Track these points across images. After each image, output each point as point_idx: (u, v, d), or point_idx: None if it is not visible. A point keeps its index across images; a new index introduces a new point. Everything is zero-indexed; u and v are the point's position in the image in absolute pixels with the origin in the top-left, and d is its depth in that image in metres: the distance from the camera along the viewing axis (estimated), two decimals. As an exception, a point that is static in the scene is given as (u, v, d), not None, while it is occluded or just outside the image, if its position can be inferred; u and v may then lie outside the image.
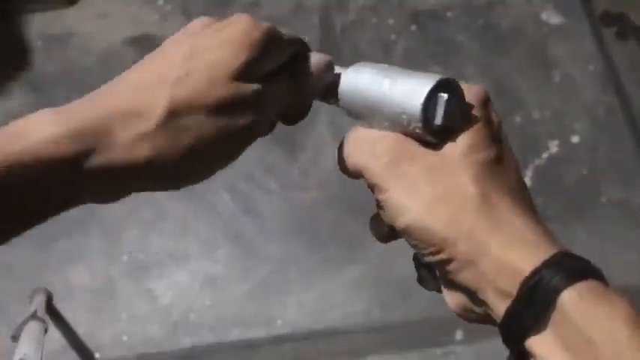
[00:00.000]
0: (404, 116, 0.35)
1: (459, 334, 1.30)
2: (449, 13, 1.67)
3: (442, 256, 0.33)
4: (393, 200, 0.35)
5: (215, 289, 1.39)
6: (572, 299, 0.29)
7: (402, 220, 0.34)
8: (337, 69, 0.42)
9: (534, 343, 0.30)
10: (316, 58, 0.41)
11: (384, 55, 1.61)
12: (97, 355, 1.35)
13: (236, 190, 1.48)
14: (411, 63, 1.59)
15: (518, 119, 1.51)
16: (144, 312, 1.38)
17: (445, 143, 0.35)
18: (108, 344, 1.35)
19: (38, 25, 1.73)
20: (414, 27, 1.65)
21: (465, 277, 0.33)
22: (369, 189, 0.39)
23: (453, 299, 0.36)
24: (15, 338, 1.08)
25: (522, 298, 0.30)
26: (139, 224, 1.46)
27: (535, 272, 0.29)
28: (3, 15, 1.74)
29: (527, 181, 1.45)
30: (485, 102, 0.38)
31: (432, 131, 0.35)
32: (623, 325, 0.27)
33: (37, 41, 1.71)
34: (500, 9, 1.66)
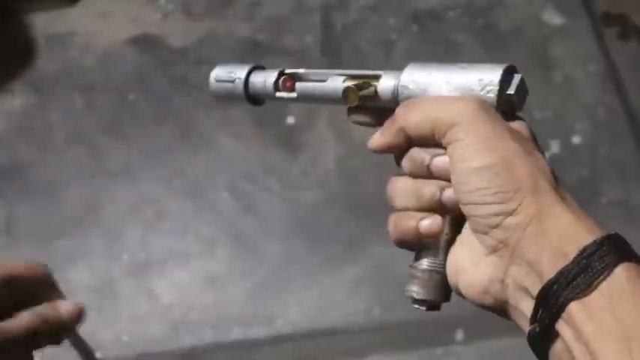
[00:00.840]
0: (480, 81, 0.38)
1: (459, 334, 1.30)
2: (449, 13, 1.67)
3: (509, 205, 0.34)
4: (476, 140, 0.36)
5: (216, 288, 1.39)
6: (627, 273, 0.31)
7: (482, 160, 0.35)
8: (388, 76, 0.43)
9: (578, 307, 0.31)
10: (66, 306, 0.44)
11: (385, 54, 1.61)
12: (97, 355, 1.35)
13: (236, 189, 1.49)
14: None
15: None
16: (144, 311, 1.38)
17: (510, 123, 0.39)
18: (108, 344, 1.35)
19: (40, 25, 1.73)
20: (414, 27, 1.65)
21: (523, 232, 0.34)
22: (437, 138, 0.38)
23: (483, 270, 0.36)
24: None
25: (579, 262, 0.32)
26: (139, 223, 1.46)
27: (597, 243, 0.32)
28: (5, 14, 1.74)
29: (528, 181, 1.45)
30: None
31: (502, 98, 0.39)
32: None
33: (39, 40, 1.71)
34: (501, 9, 1.66)
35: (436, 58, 1.61)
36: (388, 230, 0.42)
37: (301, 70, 0.47)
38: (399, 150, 0.41)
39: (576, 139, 1.49)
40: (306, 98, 0.47)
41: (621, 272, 0.32)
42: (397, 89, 0.41)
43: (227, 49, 1.65)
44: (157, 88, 1.60)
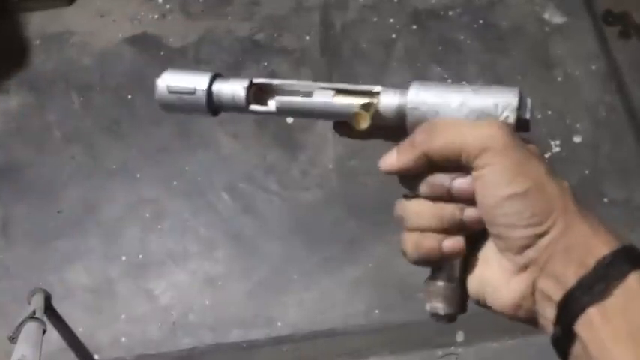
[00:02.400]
0: (496, 106, 0.39)
1: (459, 335, 1.29)
2: (450, 12, 1.66)
3: (543, 227, 0.37)
4: (510, 165, 0.37)
5: (215, 289, 1.39)
6: (636, 279, 0.34)
7: (518, 186, 0.37)
8: (390, 93, 0.42)
9: (597, 312, 0.34)
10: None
11: (385, 54, 1.61)
12: (96, 356, 1.34)
13: (236, 189, 1.48)
14: (412, 62, 1.59)
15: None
16: (143, 312, 1.37)
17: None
18: (107, 345, 1.34)
19: (37, 24, 1.72)
20: (414, 26, 1.65)
21: (553, 250, 0.37)
22: (465, 162, 0.39)
23: (514, 287, 0.38)
24: (13, 339, 1.08)
25: (598, 271, 0.35)
26: (137, 223, 1.46)
27: (613, 253, 0.35)
28: (2, 13, 1.74)
29: (529, 181, 1.44)
30: None
31: (519, 121, 0.39)
32: None
33: (36, 40, 1.70)
34: (501, 8, 1.66)
35: (436, 57, 1.60)
36: (404, 249, 0.43)
37: (275, 81, 0.44)
38: (414, 173, 0.41)
39: (577, 139, 1.49)
40: (287, 113, 0.44)
41: (633, 279, 0.34)
42: (405, 110, 0.41)
43: (226, 48, 1.65)
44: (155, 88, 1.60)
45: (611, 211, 1.40)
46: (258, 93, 0.44)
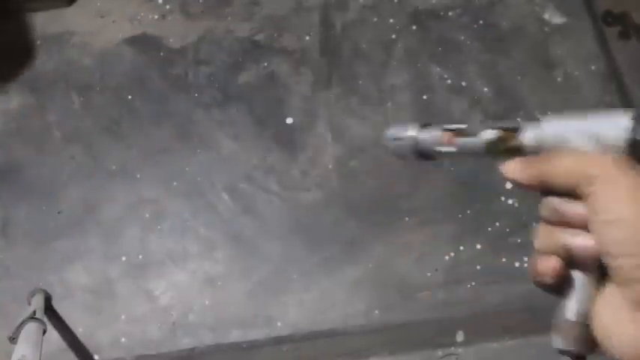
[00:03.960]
0: (611, 131, 0.40)
1: (459, 336, 1.29)
2: (450, 13, 1.66)
3: None
4: (618, 191, 0.38)
5: (215, 289, 1.39)
6: None
7: (624, 211, 0.37)
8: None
9: None
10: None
11: (385, 54, 1.61)
12: (95, 357, 1.34)
13: (236, 190, 1.48)
14: (412, 62, 1.59)
15: (519, 119, 1.50)
16: (143, 312, 1.37)
17: None
18: (107, 345, 1.34)
19: (37, 25, 1.72)
20: (414, 26, 1.65)
21: None
22: (579, 188, 0.40)
23: (630, 329, 0.36)
24: (13, 339, 1.08)
25: None
26: (137, 224, 1.46)
27: None
28: (2, 14, 1.73)
29: (529, 181, 1.44)
30: None
31: (635, 145, 0.40)
32: None
33: (37, 40, 1.70)
34: (501, 8, 1.66)
35: (436, 57, 1.60)
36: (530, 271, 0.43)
37: (463, 126, 0.50)
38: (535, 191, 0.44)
39: (577, 139, 1.49)
40: (464, 152, 0.50)
41: None
42: (541, 142, 0.44)
43: (226, 48, 1.65)
44: (155, 88, 1.60)
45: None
46: (448, 136, 0.51)
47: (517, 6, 1.66)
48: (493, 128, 0.47)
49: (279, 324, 1.34)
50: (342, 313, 1.34)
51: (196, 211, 1.46)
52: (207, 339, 1.34)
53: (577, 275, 0.41)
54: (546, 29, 1.62)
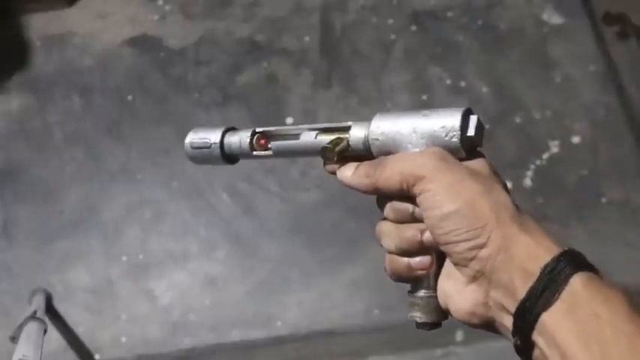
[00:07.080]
0: (443, 128, 0.43)
1: (459, 335, 1.30)
2: (449, 13, 1.66)
3: (480, 240, 0.40)
4: (442, 188, 0.41)
5: (215, 289, 1.39)
6: (582, 282, 0.37)
7: (450, 206, 0.41)
8: (356, 128, 0.47)
9: (548, 317, 0.37)
10: None
11: (384, 54, 1.61)
12: (96, 356, 1.35)
13: (236, 190, 1.48)
14: (411, 63, 1.59)
15: (518, 120, 1.50)
16: (143, 312, 1.38)
17: (470, 162, 0.44)
18: (107, 345, 1.35)
19: (37, 25, 1.72)
20: (413, 27, 1.65)
21: (495, 261, 0.40)
22: (406, 190, 0.44)
23: (467, 296, 0.42)
24: (14, 339, 1.08)
25: (543, 279, 0.38)
26: (138, 224, 1.46)
27: (555, 259, 0.38)
28: (2, 15, 1.74)
29: (528, 181, 1.45)
30: None
31: (464, 140, 0.43)
32: (622, 305, 0.36)
33: (37, 41, 1.71)
34: (500, 9, 1.66)
35: (436, 58, 1.61)
36: (384, 267, 0.48)
37: (272, 128, 0.50)
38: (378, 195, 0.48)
39: (576, 139, 1.49)
40: (282, 154, 0.51)
41: (576, 281, 0.37)
42: (368, 141, 0.46)
43: (226, 49, 1.65)
44: (155, 89, 1.60)
45: (609, 211, 1.41)
46: (261, 140, 0.52)
47: (516, 7, 1.66)
48: (312, 130, 0.49)
49: (279, 324, 1.35)
50: (342, 312, 1.35)
51: (197, 212, 1.47)
52: (207, 338, 1.34)
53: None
54: (545, 30, 1.62)
